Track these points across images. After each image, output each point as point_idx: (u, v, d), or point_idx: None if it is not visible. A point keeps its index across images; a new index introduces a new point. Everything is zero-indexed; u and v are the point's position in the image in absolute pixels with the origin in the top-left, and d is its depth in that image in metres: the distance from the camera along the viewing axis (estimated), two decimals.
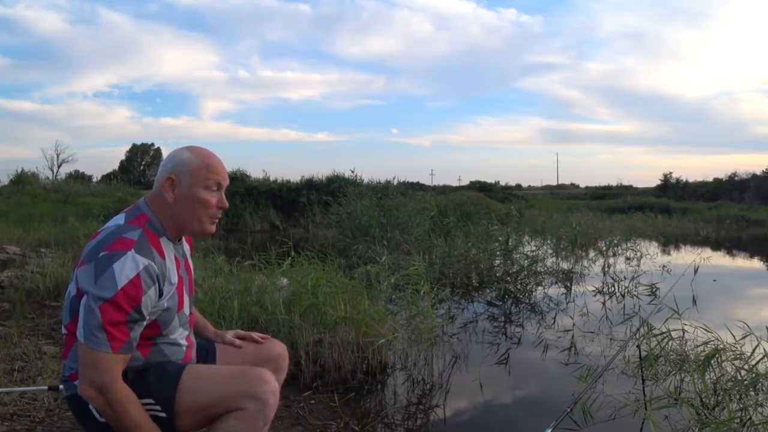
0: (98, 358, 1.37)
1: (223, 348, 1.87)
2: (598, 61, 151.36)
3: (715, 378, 3.11)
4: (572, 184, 67.27)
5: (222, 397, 1.48)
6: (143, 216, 1.53)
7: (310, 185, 17.42)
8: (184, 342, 1.64)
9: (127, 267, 1.38)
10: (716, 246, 12.62)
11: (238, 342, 1.87)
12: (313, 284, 3.72)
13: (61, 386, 1.60)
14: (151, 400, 1.48)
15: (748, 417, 2.60)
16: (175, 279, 1.55)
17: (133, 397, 1.44)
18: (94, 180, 32.20)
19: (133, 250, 1.41)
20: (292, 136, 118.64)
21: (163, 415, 1.48)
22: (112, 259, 1.39)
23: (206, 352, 1.83)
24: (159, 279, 1.46)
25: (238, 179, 17.52)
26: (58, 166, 34.46)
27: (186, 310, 1.64)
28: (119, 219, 1.53)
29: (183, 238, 1.67)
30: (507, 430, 2.93)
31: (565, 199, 38.60)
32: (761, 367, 3.00)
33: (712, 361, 3.03)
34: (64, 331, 1.54)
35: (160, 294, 1.48)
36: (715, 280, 7.38)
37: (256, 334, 1.92)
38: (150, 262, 1.43)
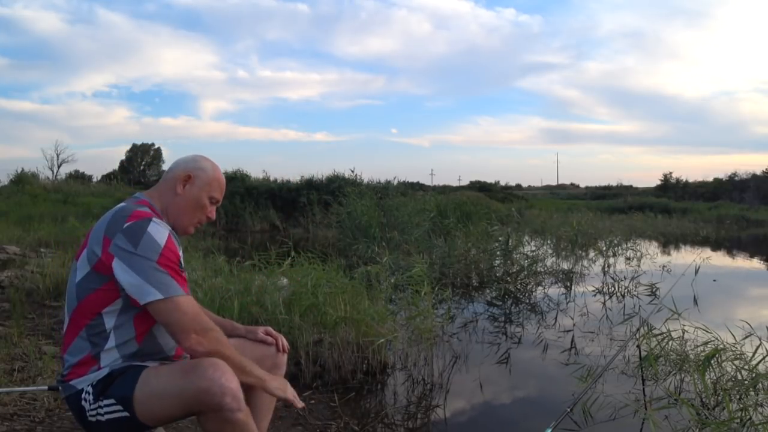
0: (182, 302, 1.49)
1: None
2: (597, 60, 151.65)
3: (715, 378, 3.10)
4: (572, 184, 67.25)
5: (176, 398, 1.44)
6: (144, 201, 1.64)
7: (310, 185, 17.40)
8: None
9: (160, 230, 1.53)
10: (716, 246, 12.62)
11: (270, 339, 1.89)
12: (313, 284, 3.72)
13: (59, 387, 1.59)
14: (112, 401, 1.48)
15: (748, 417, 2.59)
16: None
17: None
18: (94, 180, 32.25)
19: (153, 217, 1.56)
20: (292, 136, 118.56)
21: (125, 414, 1.47)
22: (143, 225, 1.51)
23: None
24: (179, 243, 1.61)
25: (238, 179, 17.48)
26: (58, 166, 34.39)
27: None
28: (120, 204, 1.63)
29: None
30: (507, 430, 2.93)
31: (565, 199, 38.62)
32: (761, 367, 3.00)
33: (712, 361, 3.02)
34: (66, 321, 1.55)
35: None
36: (715, 280, 7.38)
37: (282, 341, 1.92)
38: (170, 228, 1.59)
